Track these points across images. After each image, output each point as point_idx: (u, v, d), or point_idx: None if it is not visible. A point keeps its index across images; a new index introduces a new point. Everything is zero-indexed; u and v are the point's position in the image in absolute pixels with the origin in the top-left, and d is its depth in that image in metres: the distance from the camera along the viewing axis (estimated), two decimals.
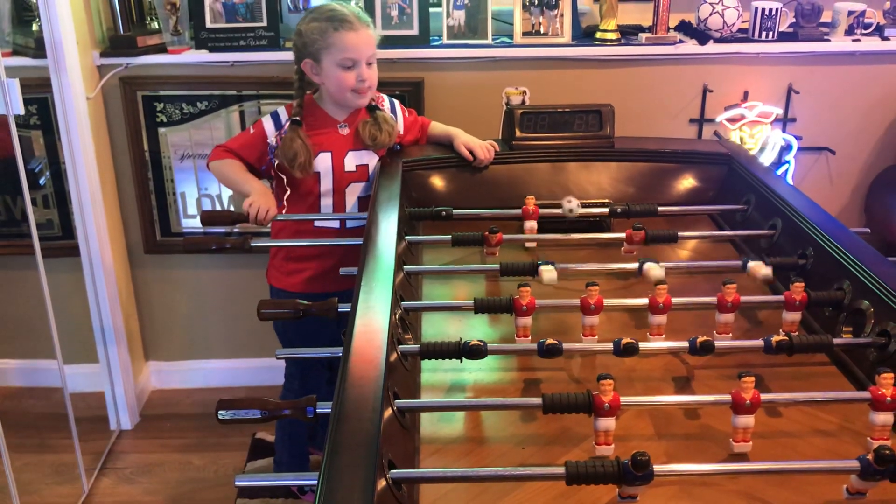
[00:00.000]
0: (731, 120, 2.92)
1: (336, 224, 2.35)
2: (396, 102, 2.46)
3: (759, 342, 1.51)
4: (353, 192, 2.32)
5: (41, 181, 3.06)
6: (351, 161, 2.30)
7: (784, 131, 2.97)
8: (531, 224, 2.10)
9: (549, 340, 1.50)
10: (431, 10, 2.87)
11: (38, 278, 2.54)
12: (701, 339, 1.50)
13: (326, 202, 2.31)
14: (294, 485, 2.59)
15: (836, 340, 1.55)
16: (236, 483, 1.20)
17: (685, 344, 1.52)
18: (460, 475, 1.20)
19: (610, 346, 1.51)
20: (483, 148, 2.33)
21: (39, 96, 2.85)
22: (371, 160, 2.33)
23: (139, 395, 3.20)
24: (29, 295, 3.06)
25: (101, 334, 3.02)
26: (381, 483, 1.10)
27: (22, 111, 2.38)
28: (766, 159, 2.94)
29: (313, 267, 2.33)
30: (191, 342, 3.28)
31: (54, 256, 2.91)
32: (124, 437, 3.07)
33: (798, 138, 2.96)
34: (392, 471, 1.14)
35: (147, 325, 3.25)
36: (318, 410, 1.32)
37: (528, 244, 2.10)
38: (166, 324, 3.25)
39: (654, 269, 1.77)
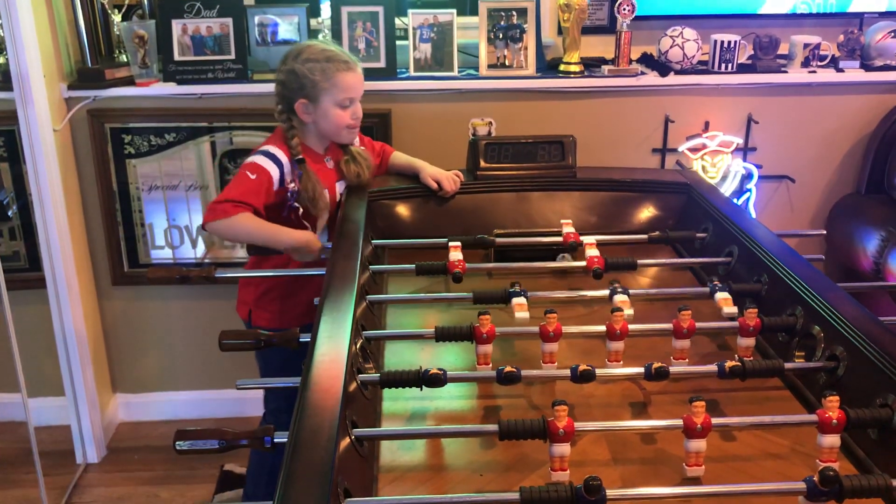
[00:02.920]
0: (693, 149, 2.98)
1: None
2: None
3: (713, 367, 1.54)
4: None
5: (9, 213, 3.06)
6: (338, 191, 2.35)
7: (745, 160, 3.03)
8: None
9: (508, 368, 1.52)
10: (398, 42, 2.92)
11: (2, 311, 2.53)
12: (656, 365, 1.52)
13: (324, 237, 2.30)
14: None
15: (787, 365, 1.58)
16: None
17: (641, 370, 1.54)
18: (414, 503, 1.21)
19: (568, 372, 1.53)
20: (449, 179, 2.37)
21: (6, 129, 2.86)
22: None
23: (106, 427, 3.17)
24: None
25: (68, 366, 3.00)
26: None
27: None
28: (728, 188, 3.00)
29: (299, 305, 2.27)
30: (159, 374, 3.27)
31: (20, 289, 2.90)
32: (91, 471, 3.04)
33: (758, 167, 3.03)
34: (348, 499, 1.15)
35: (114, 356, 3.23)
36: (275, 440, 1.33)
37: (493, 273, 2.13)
38: (134, 355, 3.23)
39: (622, 300, 1.81)
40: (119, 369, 3.25)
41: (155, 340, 3.21)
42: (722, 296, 1.82)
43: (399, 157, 2.51)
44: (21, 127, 2.69)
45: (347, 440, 1.29)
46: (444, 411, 1.59)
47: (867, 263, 2.86)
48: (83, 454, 3.07)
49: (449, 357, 1.76)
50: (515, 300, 1.80)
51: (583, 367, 1.51)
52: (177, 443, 1.31)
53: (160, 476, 2.97)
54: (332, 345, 1.48)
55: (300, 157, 2.22)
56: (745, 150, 3.04)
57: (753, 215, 3.03)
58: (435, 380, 1.48)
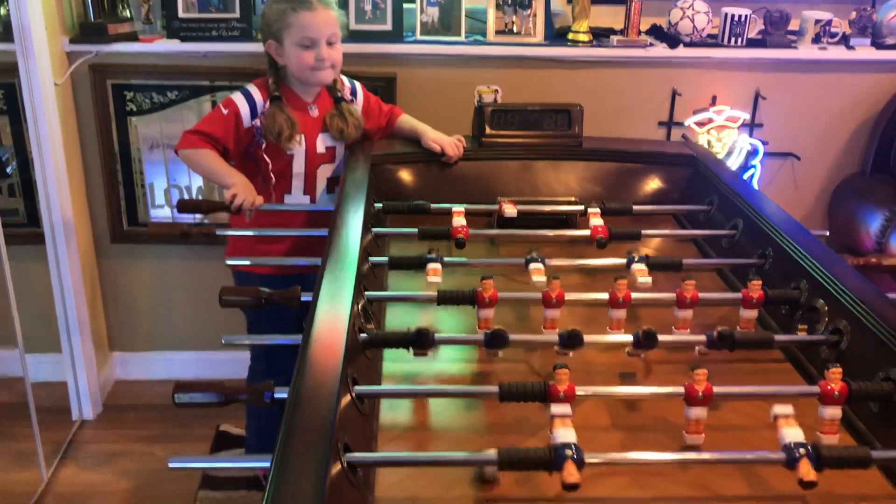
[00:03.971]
0: (700, 123, 2.96)
1: (306, 206, 2.37)
2: (359, 86, 2.47)
3: (703, 337, 1.53)
4: (324, 174, 2.37)
5: (8, 170, 3.04)
6: (321, 143, 2.34)
7: (751, 136, 3.01)
8: (511, 210, 2.12)
9: (497, 328, 1.51)
10: (405, 6, 2.88)
11: (0, 266, 2.52)
12: (644, 328, 1.51)
13: (297, 184, 2.35)
14: (261, 469, 2.58)
15: (791, 337, 1.58)
16: (169, 464, 1.21)
17: (629, 338, 1.54)
18: (411, 459, 1.21)
19: (556, 337, 1.52)
20: (452, 144, 2.35)
21: (6, 81, 2.83)
22: (339, 144, 2.38)
23: (103, 385, 3.17)
24: None
25: (65, 323, 2.99)
26: (336, 466, 1.10)
27: None
28: (733, 163, 2.99)
29: (278, 248, 2.33)
30: (156, 333, 3.26)
31: (19, 244, 2.88)
32: (86, 427, 3.04)
33: (764, 143, 3.01)
34: (347, 454, 1.15)
35: (112, 314, 3.22)
36: (275, 395, 1.32)
37: (507, 211, 2.12)
38: (131, 314, 3.23)
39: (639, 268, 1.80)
40: (116, 327, 3.25)
41: (153, 300, 3.20)
42: (637, 267, 1.81)
43: (405, 121, 2.50)
44: (21, 79, 2.66)
45: (348, 397, 1.28)
46: (445, 374, 1.59)
47: (869, 243, 2.85)
48: (79, 411, 3.07)
49: (451, 321, 1.75)
50: (532, 265, 1.79)
51: (571, 329, 1.50)
52: (176, 395, 1.30)
53: (155, 435, 2.97)
54: (334, 303, 1.47)
55: (276, 94, 2.26)
56: (751, 126, 3.02)
57: None
58: (422, 338, 1.47)
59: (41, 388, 2.88)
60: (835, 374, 1.34)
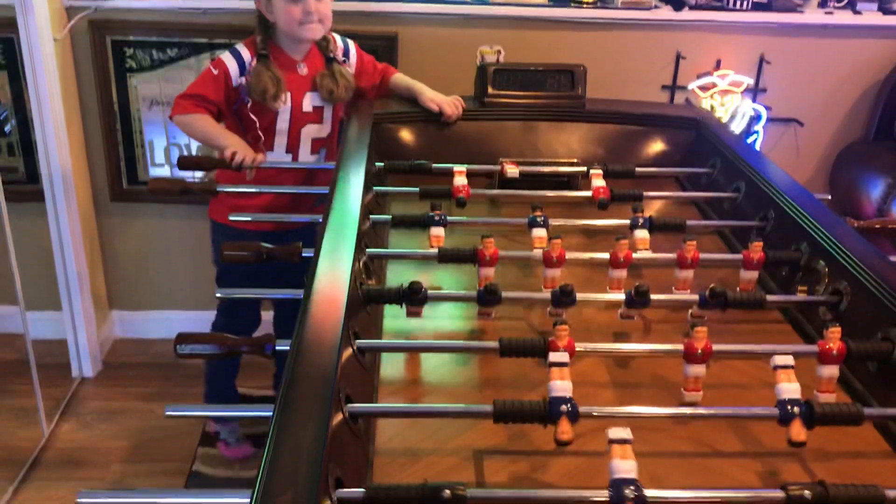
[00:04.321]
0: (703, 88, 2.94)
1: (308, 164, 2.37)
2: (352, 44, 2.45)
3: (695, 296, 1.54)
4: (308, 134, 2.36)
5: (6, 129, 3.02)
6: (308, 102, 2.32)
7: (754, 101, 3.00)
8: (513, 171, 2.11)
9: (490, 283, 1.52)
10: None
11: (1, 224, 2.51)
12: (637, 284, 1.52)
13: (280, 141, 2.34)
14: (214, 417, 2.66)
15: (784, 297, 1.59)
16: (166, 412, 1.22)
17: (622, 296, 1.54)
18: (410, 410, 1.22)
19: (549, 294, 1.52)
20: (450, 103, 2.33)
21: (5, 36, 2.80)
22: (327, 105, 2.35)
23: (102, 343, 3.18)
24: None
25: (65, 281, 2.99)
26: (338, 416, 1.11)
27: None
28: (736, 129, 2.97)
29: (257, 205, 2.32)
30: (155, 292, 3.27)
31: (18, 201, 2.87)
32: (86, 385, 3.07)
33: (768, 109, 2.99)
34: (349, 405, 1.15)
35: (111, 273, 3.23)
36: (277, 348, 1.33)
37: (509, 171, 2.12)
38: (131, 273, 3.23)
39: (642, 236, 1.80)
40: (116, 286, 3.25)
41: (152, 258, 3.20)
42: (640, 234, 1.80)
43: (400, 79, 2.47)
44: (20, 34, 2.64)
45: (350, 350, 1.29)
46: (444, 331, 1.60)
47: (870, 210, 2.85)
48: (79, 368, 3.09)
49: (452, 281, 1.75)
50: (535, 230, 1.78)
51: (563, 284, 1.50)
52: (178, 346, 1.31)
53: (155, 393, 2.99)
54: (336, 258, 1.47)
55: (263, 52, 2.24)
56: (755, 91, 3.00)
57: None
58: (415, 293, 1.47)
59: (41, 345, 2.89)
60: (834, 333, 1.34)
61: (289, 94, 2.28)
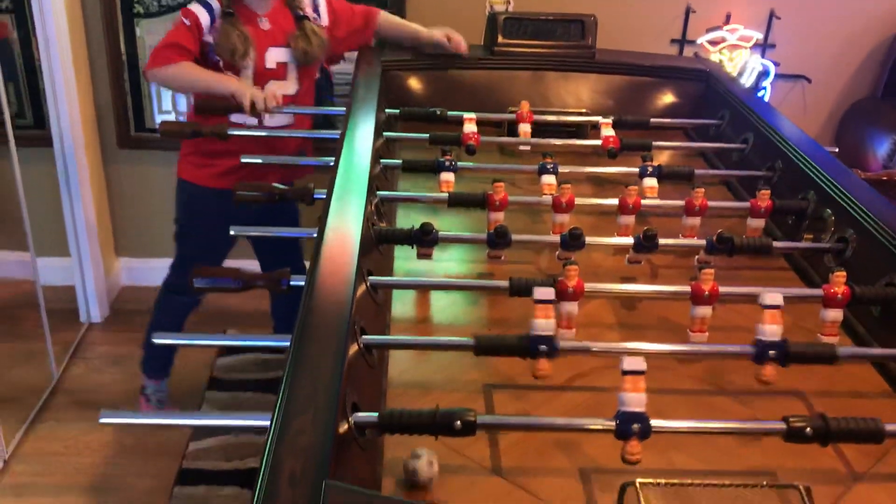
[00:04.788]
0: (712, 42, 2.93)
1: (253, 121, 2.22)
2: None
3: (703, 241, 1.56)
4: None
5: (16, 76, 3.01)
6: (272, 58, 2.21)
7: (763, 56, 2.98)
8: (525, 127, 2.10)
9: (499, 225, 1.53)
10: None
11: (10, 168, 2.52)
12: (645, 229, 1.53)
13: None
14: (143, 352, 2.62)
15: (791, 244, 1.61)
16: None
17: (630, 241, 1.56)
18: (423, 343, 1.25)
19: (558, 238, 1.54)
20: (456, 34, 2.32)
21: None
22: (292, 61, 2.24)
23: (110, 289, 3.21)
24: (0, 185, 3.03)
25: (73, 227, 3.01)
26: (353, 347, 1.14)
27: None
28: (744, 84, 2.96)
29: (225, 163, 2.25)
30: (162, 240, 3.26)
31: (26, 146, 2.87)
32: (94, 330, 3.10)
33: (776, 64, 2.98)
34: (364, 336, 1.18)
35: (119, 220, 3.24)
36: (292, 283, 1.35)
37: (521, 147, 2.12)
38: (138, 220, 3.25)
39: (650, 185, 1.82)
40: (123, 233, 3.27)
41: (159, 206, 3.20)
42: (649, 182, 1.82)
43: (387, 20, 2.40)
44: None
45: (363, 286, 1.31)
46: (454, 273, 1.62)
47: (876, 167, 2.85)
48: (87, 313, 3.12)
49: (460, 225, 1.77)
50: (545, 177, 1.79)
51: (573, 229, 1.52)
52: (194, 279, 1.33)
53: None
54: (348, 199, 1.49)
55: (229, 10, 2.14)
56: (763, 47, 2.98)
57: None
58: (426, 234, 1.49)
59: (50, 290, 2.92)
60: (839, 277, 1.36)
61: (252, 51, 2.17)
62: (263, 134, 2.23)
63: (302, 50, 2.21)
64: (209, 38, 2.15)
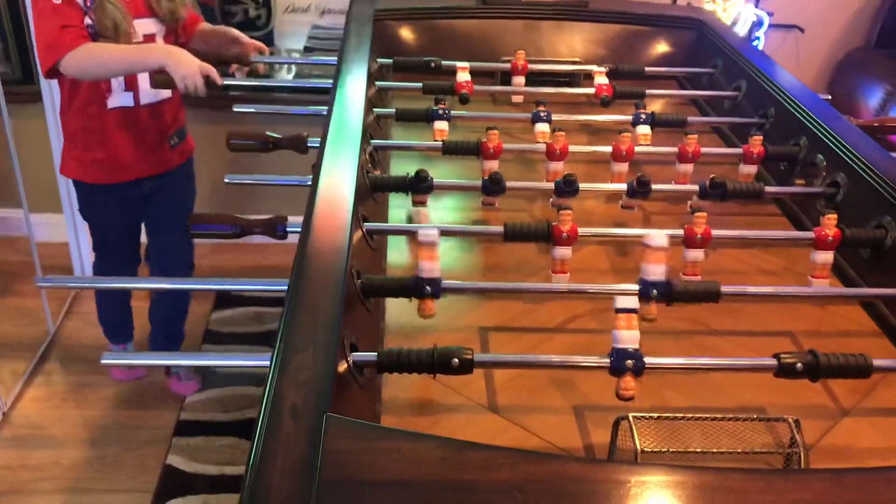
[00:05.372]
0: None
1: (130, 102, 2.13)
2: None
3: (695, 187, 1.57)
4: None
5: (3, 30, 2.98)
6: (140, 30, 2.06)
7: (756, 6, 2.97)
8: (519, 80, 2.10)
9: (494, 172, 1.54)
10: None
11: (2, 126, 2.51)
12: (638, 174, 1.55)
13: (117, 81, 2.08)
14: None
15: (784, 189, 1.62)
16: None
17: (623, 187, 1.57)
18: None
19: (552, 185, 1.55)
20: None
21: None
22: (160, 30, 2.11)
23: None
24: None
25: (66, 183, 3.00)
26: (351, 290, 1.15)
27: None
28: (738, 33, 2.95)
29: (102, 158, 2.17)
30: None
31: (16, 102, 2.85)
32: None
33: (770, 14, 2.97)
34: (360, 280, 1.19)
35: None
36: (288, 229, 1.36)
37: (514, 98, 2.11)
38: None
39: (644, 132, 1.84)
40: None
41: None
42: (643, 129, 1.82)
43: (206, 27, 2.29)
44: None
45: (360, 232, 1.32)
46: (448, 221, 1.63)
47: (868, 117, 2.86)
48: (81, 270, 3.12)
49: (455, 175, 1.77)
50: (538, 125, 1.80)
51: (567, 175, 1.52)
52: (191, 226, 1.34)
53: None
54: (342, 147, 1.49)
55: None
56: None
57: None
58: (421, 181, 1.50)
59: (43, 247, 2.92)
60: (830, 219, 1.38)
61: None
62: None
63: (168, 10, 2.07)
64: (87, 21, 1.95)
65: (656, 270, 1.13)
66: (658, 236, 1.20)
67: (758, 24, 2.96)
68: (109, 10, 1.95)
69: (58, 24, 1.88)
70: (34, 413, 2.51)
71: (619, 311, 1.09)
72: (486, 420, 1.11)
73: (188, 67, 1.92)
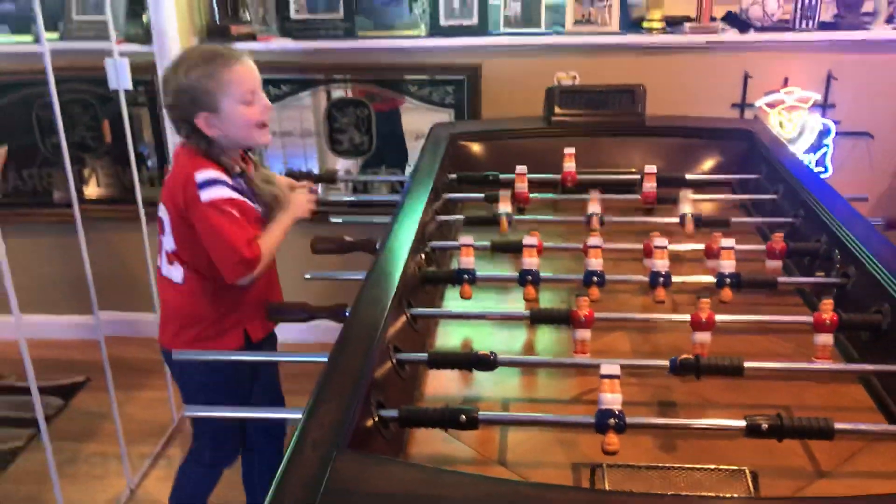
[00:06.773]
0: (770, 105, 3.09)
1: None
2: None
3: (713, 279, 1.74)
4: (163, 245, 2.11)
5: (148, 164, 3.51)
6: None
7: (823, 116, 3.11)
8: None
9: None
10: (490, 1, 3.15)
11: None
12: (662, 274, 1.73)
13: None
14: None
15: (794, 279, 1.78)
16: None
17: (646, 278, 1.76)
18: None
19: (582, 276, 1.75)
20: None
21: (146, 78, 3.29)
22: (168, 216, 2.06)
23: None
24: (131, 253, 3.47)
25: None
26: (386, 362, 1.39)
27: (130, 87, 2.81)
28: (805, 143, 3.10)
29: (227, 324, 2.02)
30: None
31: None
32: None
33: (836, 123, 3.10)
34: (397, 353, 1.43)
35: None
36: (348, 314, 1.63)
37: None
38: None
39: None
40: None
41: None
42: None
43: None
44: (158, 76, 3.10)
45: (404, 315, 1.57)
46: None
47: None
48: None
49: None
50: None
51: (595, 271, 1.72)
52: (270, 313, 1.63)
53: None
54: (397, 246, 1.76)
55: (239, 170, 2.04)
56: (823, 107, 3.12)
57: (830, 171, 3.13)
58: (466, 273, 1.73)
59: None
60: (827, 305, 1.52)
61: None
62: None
63: (272, 195, 2.11)
64: (255, 208, 2.07)
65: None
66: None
67: (825, 132, 3.09)
68: (262, 187, 2.07)
69: (244, 236, 1.94)
70: (157, 491, 2.83)
71: (603, 377, 1.27)
72: (494, 472, 1.31)
73: (302, 212, 2.11)
